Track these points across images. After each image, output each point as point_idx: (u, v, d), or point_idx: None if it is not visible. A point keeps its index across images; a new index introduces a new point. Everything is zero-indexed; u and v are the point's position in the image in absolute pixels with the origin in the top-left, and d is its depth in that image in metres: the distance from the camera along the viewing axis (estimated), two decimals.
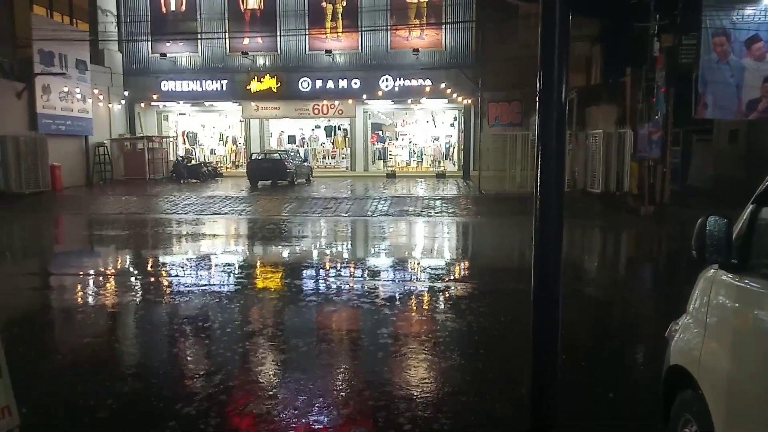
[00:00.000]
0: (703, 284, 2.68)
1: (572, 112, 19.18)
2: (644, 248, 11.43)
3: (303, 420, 3.70)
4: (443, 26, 25.98)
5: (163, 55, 26.86)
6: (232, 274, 8.60)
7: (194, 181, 24.29)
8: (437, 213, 15.20)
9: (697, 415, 2.44)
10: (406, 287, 7.58)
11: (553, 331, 2.17)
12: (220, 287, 7.63)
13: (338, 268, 9.04)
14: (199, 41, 26.74)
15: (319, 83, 26.53)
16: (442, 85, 25.40)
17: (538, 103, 2.11)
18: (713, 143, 17.75)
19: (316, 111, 27.27)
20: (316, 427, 3.63)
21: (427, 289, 7.42)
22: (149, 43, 27.03)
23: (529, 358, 2.28)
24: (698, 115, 12.27)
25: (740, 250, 2.36)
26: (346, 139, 28.92)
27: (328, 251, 10.74)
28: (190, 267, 9.15)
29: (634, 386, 4.38)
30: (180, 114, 29.62)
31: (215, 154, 29.71)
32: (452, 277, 8.33)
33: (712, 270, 2.59)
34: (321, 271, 8.77)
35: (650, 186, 14.03)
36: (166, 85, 27.11)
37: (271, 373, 4.64)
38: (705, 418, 2.34)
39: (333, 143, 29.43)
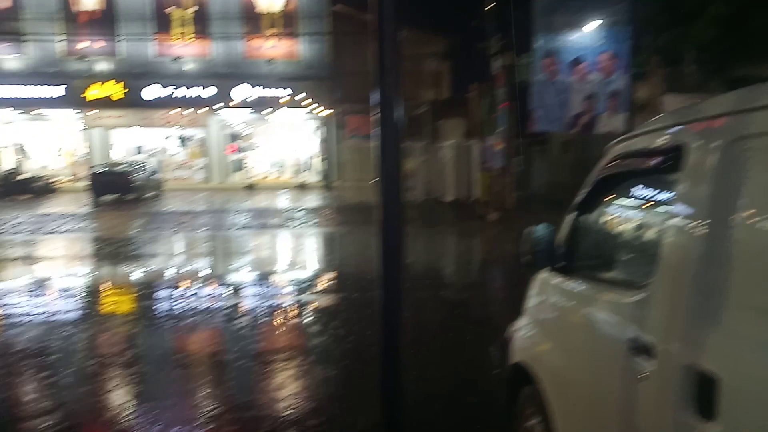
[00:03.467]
0: (536, 286, 2.94)
1: (426, 124, 20.12)
2: (489, 252, 12.22)
3: None
4: (299, 37, 25.91)
5: None
6: (74, 299, 7.83)
7: (25, 197, 21.87)
8: (299, 224, 15.08)
9: (538, 408, 2.64)
10: (270, 302, 7.41)
11: (396, 333, 2.23)
12: (60, 314, 6.91)
13: (196, 287, 8.60)
14: (27, 43, 24.20)
15: (168, 91, 25.16)
16: (301, 96, 25.28)
17: (377, 119, 2.16)
18: (549, 153, 19.54)
19: (165, 120, 25.87)
20: None
21: (292, 302, 7.32)
22: None
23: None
24: (531, 129, 13.44)
25: (565, 253, 2.61)
26: (201, 149, 27.75)
27: (183, 269, 10.18)
28: (24, 293, 8.18)
29: (484, 383, 4.64)
30: (7, 123, 26.56)
31: (47, 168, 26.85)
32: (317, 289, 8.30)
33: (544, 272, 2.84)
34: (176, 290, 8.28)
35: (496, 194, 15.09)
36: None
37: (124, 402, 4.29)
38: (544, 411, 2.54)
39: (188, 154, 28.07)
